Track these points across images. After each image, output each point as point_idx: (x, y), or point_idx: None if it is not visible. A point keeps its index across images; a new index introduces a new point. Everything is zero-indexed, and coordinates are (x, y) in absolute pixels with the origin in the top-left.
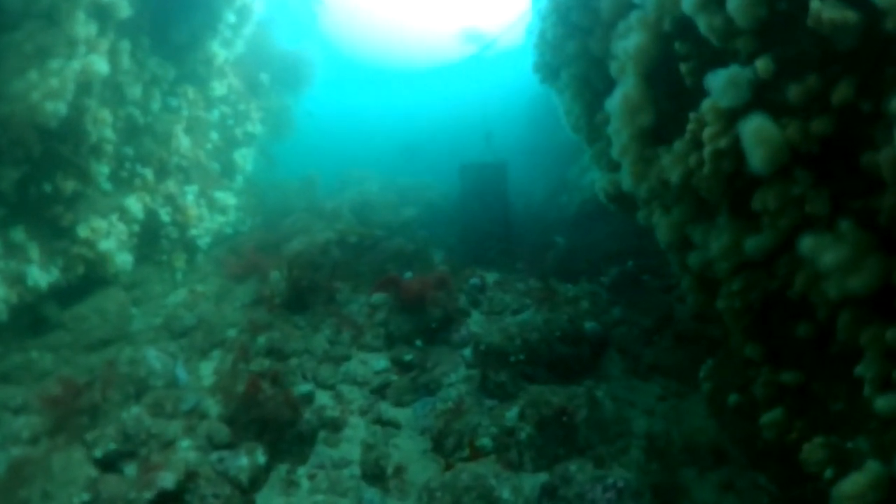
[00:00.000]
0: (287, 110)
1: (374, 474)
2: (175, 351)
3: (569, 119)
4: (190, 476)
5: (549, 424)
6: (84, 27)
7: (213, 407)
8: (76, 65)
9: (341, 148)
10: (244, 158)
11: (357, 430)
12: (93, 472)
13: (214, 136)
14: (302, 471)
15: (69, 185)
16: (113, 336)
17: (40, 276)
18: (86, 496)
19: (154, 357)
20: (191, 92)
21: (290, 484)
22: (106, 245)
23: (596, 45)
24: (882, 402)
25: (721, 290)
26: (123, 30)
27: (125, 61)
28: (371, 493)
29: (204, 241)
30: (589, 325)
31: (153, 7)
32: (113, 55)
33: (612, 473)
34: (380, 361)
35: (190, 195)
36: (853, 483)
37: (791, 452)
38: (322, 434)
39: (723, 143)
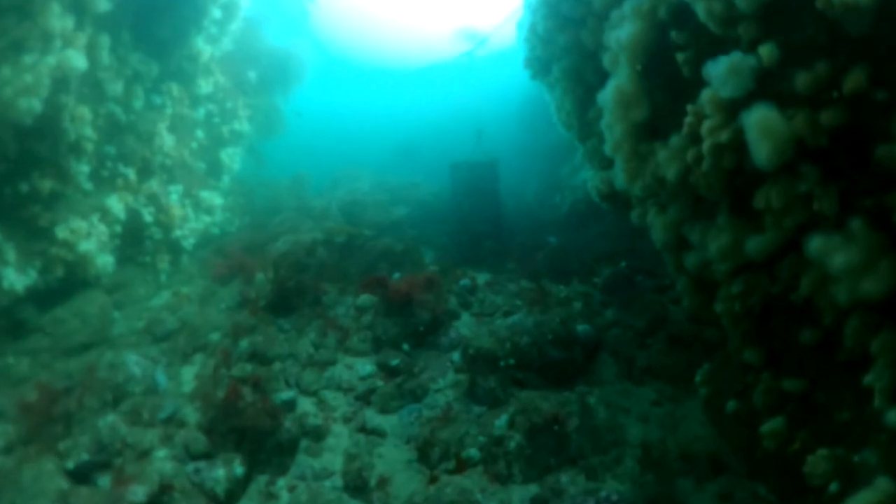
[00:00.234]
0: (276, 108)
1: (357, 486)
2: (156, 355)
3: (560, 115)
4: (164, 489)
5: (539, 433)
6: (60, 20)
7: (191, 414)
8: (51, 60)
9: (334, 147)
10: (231, 157)
11: (340, 438)
12: (64, 484)
13: (200, 134)
14: (282, 482)
15: (47, 185)
16: (93, 340)
17: (17, 278)
18: None
19: (134, 362)
20: (175, 89)
21: (269, 496)
22: (86, 246)
23: (588, 36)
24: (894, 415)
25: (719, 292)
26: (102, 24)
27: (105, 57)
28: None
29: (189, 242)
30: (581, 327)
31: (134, 1)
32: (91, 50)
33: (606, 486)
34: (366, 366)
35: (174, 195)
36: (862, 501)
37: (793, 463)
38: (304, 443)
39: (723, 136)
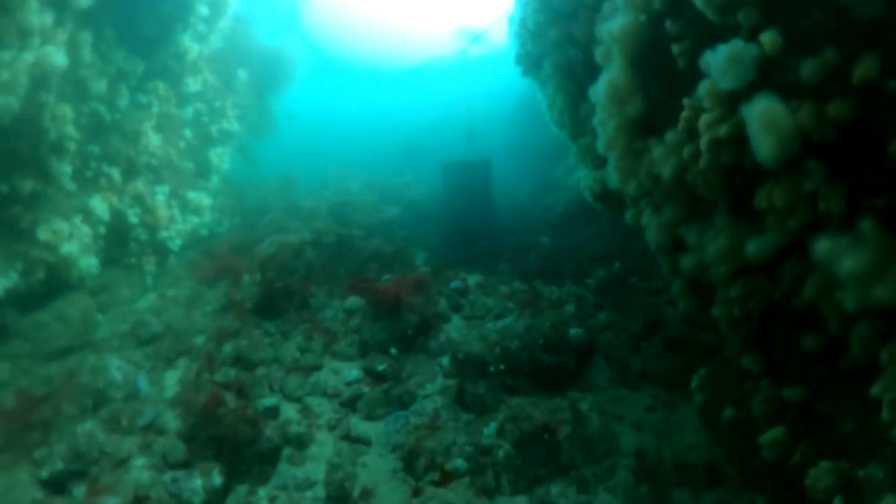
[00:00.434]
0: (267, 108)
1: (340, 497)
2: (140, 359)
3: (552, 113)
4: (139, 500)
5: (529, 442)
6: (38, 16)
7: (172, 421)
8: (29, 56)
9: (326, 147)
10: (220, 157)
11: (324, 446)
12: (38, 494)
13: (188, 133)
14: (262, 492)
15: (27, 185)
16: (75, 344)
17: None
18: None
19: (115, 367)
20: (162, 88)
21: None
22: (68, 248)
23: (580, 30)
24: None
25: (717, 296)
26: (84, 20)
27: (86, 54)
28: None
29: (175, 244)
30: (574, 331)
31: None
32: (72, 47)
33: (598, 499)
34: (352, 371)
35: (160, 195)
36: None
37: (794, 475)
38: (286, 451)
39: (722, 131)
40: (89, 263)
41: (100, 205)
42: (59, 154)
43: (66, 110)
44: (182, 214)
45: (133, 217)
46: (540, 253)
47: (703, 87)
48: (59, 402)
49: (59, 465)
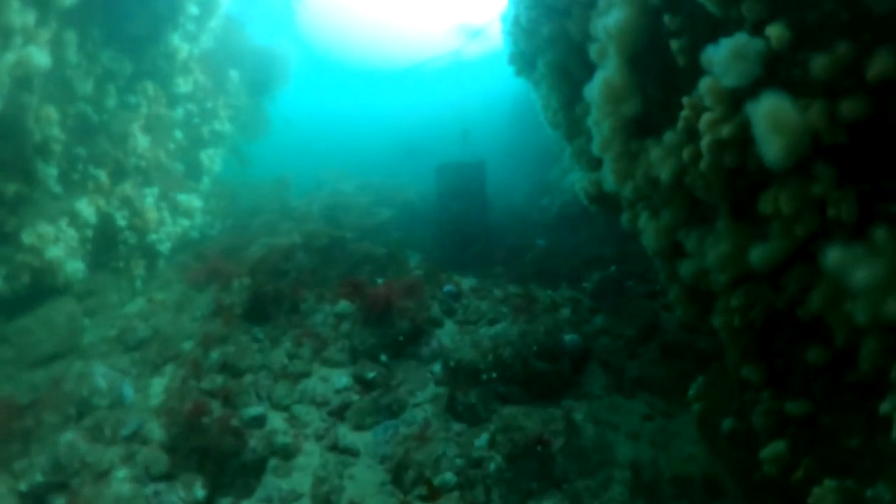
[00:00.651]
0: (261, 109)
1: None
2: (126, 366)
3: (546, 113)
4: None
5: (521, 454)
6: (19, 15)
7: (156, 430)
8: (11, 57)
9: (320, 148)
10: (212, 159)
11: (311, 457)
12: None
13: (178, 134)
14: None
15: (11, 188)
16: (61, 350)
17: None
18: None
19: (101, 374)
20: (151, 88)
21: None
22: (54, 252)
23: (574, 26)
24: None
25: (717, 304)
26: (69, 20)
27: (72, 54)
28: None
29: (165, 247)
30: (569, 337)
31: None
32: (56, 47)
33: None
34: (341, 378)
35: (149, 198)
36: None
37: (796, 492)
38: (272, 462)
39: (725, 131)
40: (75, 268)
41: (87, 208)
42: (45, 156)
43: (51, 111)
44: (172, 217)
45: (121, 220)
46: (535, 256)
47: (705, 85)
48: (41, 411)
49: (39, 478)
